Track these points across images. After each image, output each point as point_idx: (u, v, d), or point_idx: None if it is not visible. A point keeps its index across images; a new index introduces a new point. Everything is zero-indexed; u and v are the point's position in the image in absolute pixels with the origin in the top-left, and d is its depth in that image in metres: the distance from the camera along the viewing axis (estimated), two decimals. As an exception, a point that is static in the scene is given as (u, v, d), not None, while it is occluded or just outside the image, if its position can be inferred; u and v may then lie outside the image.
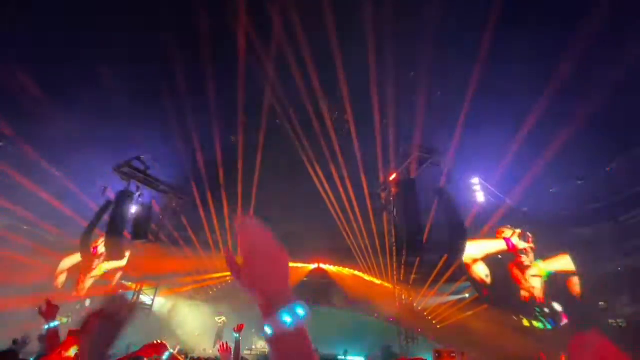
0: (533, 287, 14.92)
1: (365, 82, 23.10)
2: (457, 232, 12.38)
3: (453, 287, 19.48)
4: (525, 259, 15.39)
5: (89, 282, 16.81)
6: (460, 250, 12.51)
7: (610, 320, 15.28)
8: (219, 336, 18.55)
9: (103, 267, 16.66)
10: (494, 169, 21.19)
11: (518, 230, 15.56)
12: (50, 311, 2.52)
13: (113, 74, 20.79)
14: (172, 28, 19.39)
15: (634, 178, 17.78)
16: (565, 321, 14.06)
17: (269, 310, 0.69)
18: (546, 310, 14.36)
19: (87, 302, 17.22)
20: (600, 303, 16.02)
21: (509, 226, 16.28)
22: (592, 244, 18.92)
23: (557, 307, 14.45)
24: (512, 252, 15.47)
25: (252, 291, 0.74)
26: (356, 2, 16.57)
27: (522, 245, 15.41)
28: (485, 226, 16.72)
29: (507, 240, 15.39)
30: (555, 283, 15.12)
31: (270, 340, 0.67)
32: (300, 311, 0.69)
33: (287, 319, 0.67)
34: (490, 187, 21.08)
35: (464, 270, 17.07)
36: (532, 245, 15.45)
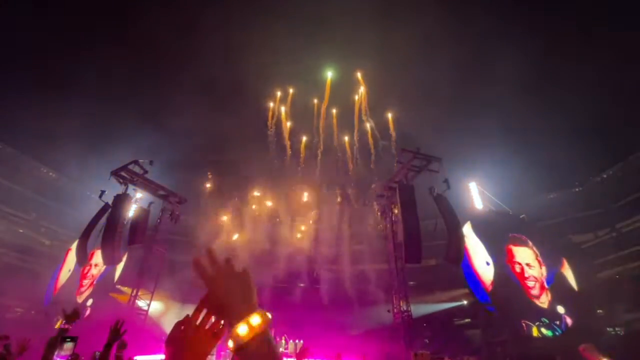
0: (537, 294, 14.94)
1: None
2: (456, 237, 12.33)
3: (452, 293, 19.42)
4: (531, 269, 15.41)
5: (87, 288, 16.51)
6: (458, 255, 12.45)
7: (608, 328, 15.23)
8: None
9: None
10: (492, 175, 21.32)
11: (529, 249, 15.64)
12: (73, 316, 2.56)
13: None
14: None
15: (632, 185, 17.88)
16: (569, 324, 14.20)
17: (230, 326, 0.79)
18: (553, 320, 14.44)
19: (89, 303, 17.02)
20: (598, 311, 15.98)
21: (523, 237, 16.24)
22: (590, 251, 18.94)
23: (560, 309, 14.49)
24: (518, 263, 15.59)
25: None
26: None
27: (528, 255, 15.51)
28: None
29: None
30: (559, 286, 15.18)
31: (234, 352, 0.76)
32: (255, 321, 0.77)
33: (243, 331, 0.76)
34: (488, 193, 21.15)
35: (463, 277, 17.03)
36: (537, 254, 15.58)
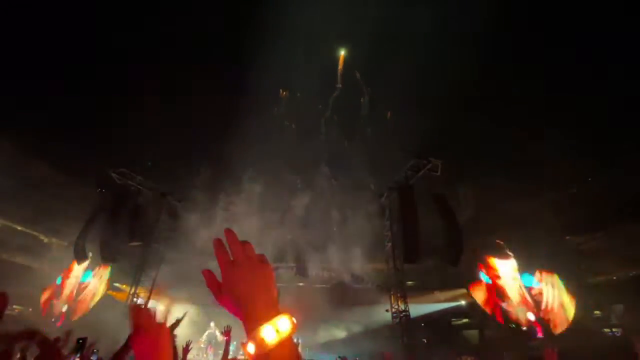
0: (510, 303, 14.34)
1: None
2: (455, 238, 12.38)
3: (450, 294, 19.48)
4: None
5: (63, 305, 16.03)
6: (457, 256, 12.50)
7: (605, 330, 15.29)
8: (210, 341, 18.40)
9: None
10: (491, 176, 21.32)
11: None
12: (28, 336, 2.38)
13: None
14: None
15: (629, 187, 17.93)
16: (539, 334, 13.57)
17: (251, 327, 0.67)
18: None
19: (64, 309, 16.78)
20: (595, 312, 16.04)
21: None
22: (587, 252, 19.00)
23: (531, 316, 13.93)
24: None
25: (233, 310, 0.72)
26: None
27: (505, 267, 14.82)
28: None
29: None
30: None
31: (253, 358, 0.65)
32: (284, 326, 0.67)
33: (269, 335, 0.65)
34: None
35: (461, 278, 17.05)
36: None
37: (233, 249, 0.76)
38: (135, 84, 21.78)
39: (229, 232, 0.78)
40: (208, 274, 0.77)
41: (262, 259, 0.78)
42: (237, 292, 0.72)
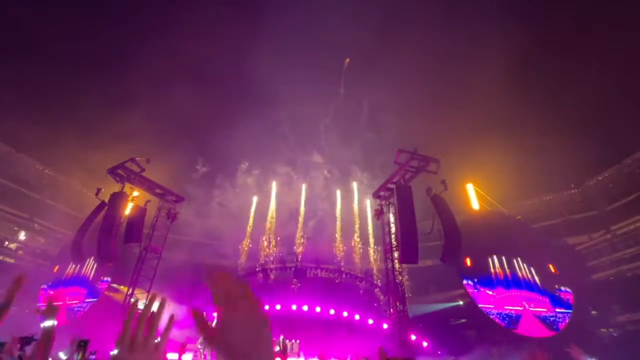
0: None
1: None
2: (452, 238, 12.37)
3: (448, 294, 19.49)
4: None
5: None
6: (455, 256, 12.49)
7: (602, 329, 15.36)
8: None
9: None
10: (489, 177, 21.43)
11: None
12: (49, 310, 2.48)
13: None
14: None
15: (627, 187, 18.03)
16: None
17: None
18: None
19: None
20: (593, 312, 16.10)
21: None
22: (584, 252, 19.09)
23: None
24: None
25: None
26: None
27: None
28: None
29: None
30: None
31: None
32: None
33: None
34: (485, 194, 21.25)
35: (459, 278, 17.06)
36: None
37: (230, 292, 0.64)
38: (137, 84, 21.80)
39: (225, 274, 0.66)
40: (197, 316, 0.66)
41: (263, 313, 0.65)
42: (233, 351, 0.61)
